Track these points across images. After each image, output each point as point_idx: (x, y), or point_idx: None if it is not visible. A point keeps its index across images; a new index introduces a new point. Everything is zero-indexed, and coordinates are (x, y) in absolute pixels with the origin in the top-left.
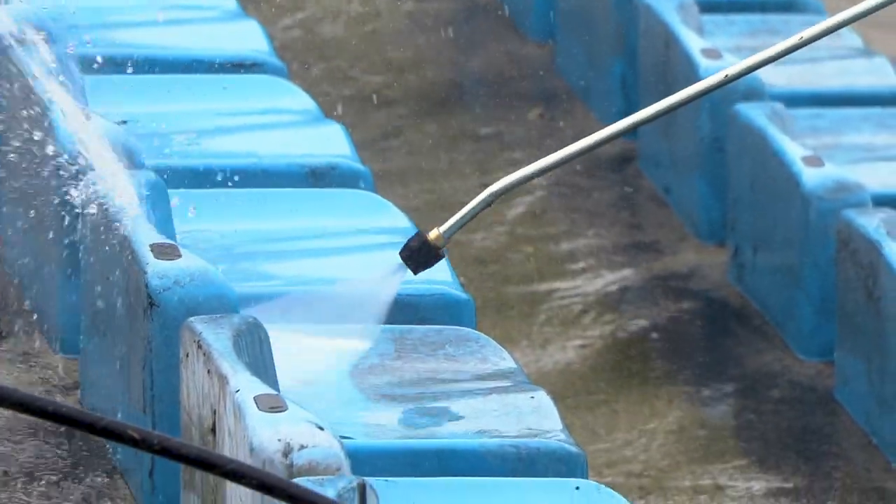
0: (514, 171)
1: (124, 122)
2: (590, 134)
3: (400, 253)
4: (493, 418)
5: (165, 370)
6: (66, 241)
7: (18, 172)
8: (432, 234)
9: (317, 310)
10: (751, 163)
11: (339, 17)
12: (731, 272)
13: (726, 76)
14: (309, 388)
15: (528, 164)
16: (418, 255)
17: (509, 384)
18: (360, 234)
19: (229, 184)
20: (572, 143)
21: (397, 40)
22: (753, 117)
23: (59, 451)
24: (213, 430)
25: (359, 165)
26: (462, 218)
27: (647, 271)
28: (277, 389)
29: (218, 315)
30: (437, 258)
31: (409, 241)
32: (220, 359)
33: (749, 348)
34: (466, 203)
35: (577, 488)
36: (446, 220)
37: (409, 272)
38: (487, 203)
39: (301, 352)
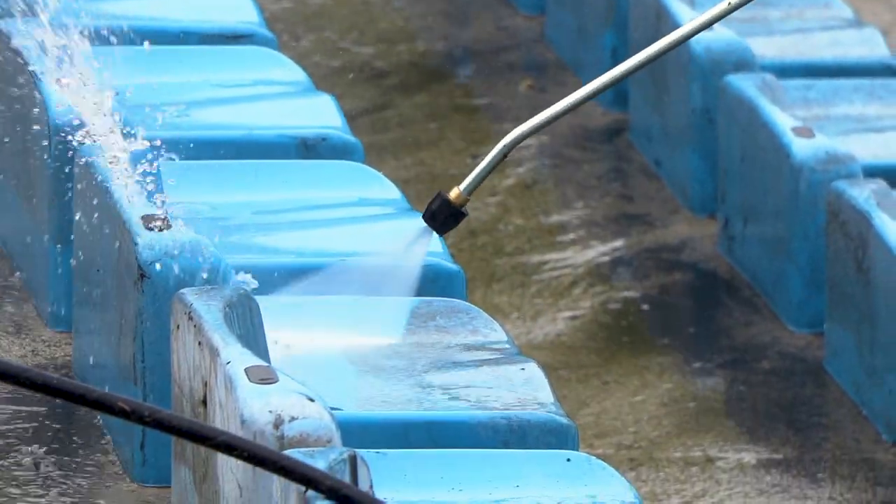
0: None
1: (115, 93)
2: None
3: (423, 216)
4: (484, 390)
5: (156, 342)
6: (57, 213)
7: (9, 143)
8: (452, 194)
9: (349, 281)
10: (741, 134)
11: None
12: (722, 244)
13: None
14: (300, 359)
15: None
16: (441, 215)
17: (500, 356)
18: (351, 205)
19: (220, 155)
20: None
21: (388, 12)
22: (744, 88)
23: (48, 424)
24: (204, 401)
25: (350, 137)
26: (479, 173)
27: (637, 243)
28: (268, 361)
29: (209, 287)
30: (460, 216)
31: (430, 203)
32: (211, 331)
33: (739, 320)
34: (457, 175)
35: (568, 460)
36: (436, 191)
37: (434, 234)
38: (503, 155)
39: (292, 324)
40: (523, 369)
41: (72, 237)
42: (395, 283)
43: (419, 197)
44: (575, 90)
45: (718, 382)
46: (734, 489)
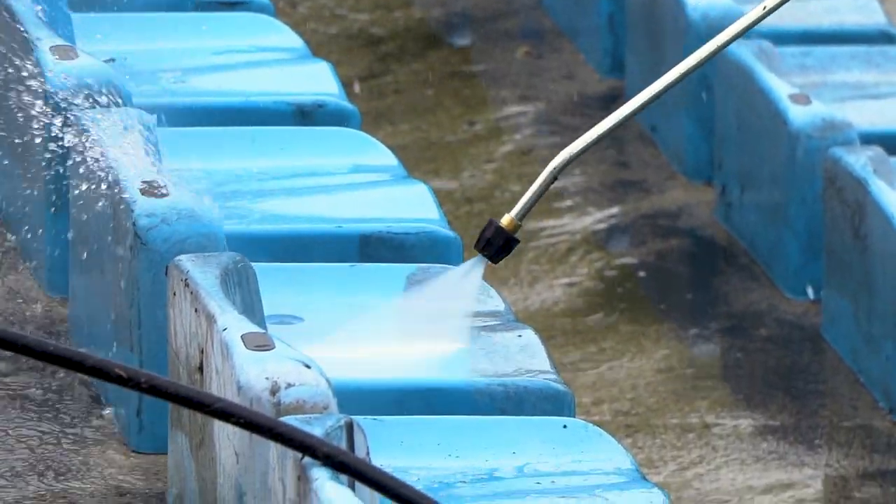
0: (502, 108)
1: (111, 59)
2: (575, 71)
3: (476, 244)
4: (481, 357)
5: (153, 309)
6: (53, 178)
7: (3, 109)
8: (504, 220)
9: (407, 316)
10: (738, 101)
11: None
12: (719, 210)
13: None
14: (296, 325)
15: (516, 103)
16: (496, 243)
17: (497, 323)
18: (348, 172)
19: (216, 122)
20: (559, 80)
21: None
22: (741, 55)
23: (45, 390)
24: (201, 368)
25: (346, 104)
26: (530, 198)
27: (634, 210)
28: (265, 328)
29: (206, 253)
30: (514, 243)
31: (483, 231)
32: (208, 297)
33: (736, 287)
34: (453, 142)
35: (565, 426)
36: (433, 157)
37: (488, 262)
38: (553, 177)
39: (289, 291)
40: (520, 336)
41: (68, 202)
42: (451, 314)
43: (416, 163)
44: (572, 56)
45: (715, 349)
46: (730, 456)
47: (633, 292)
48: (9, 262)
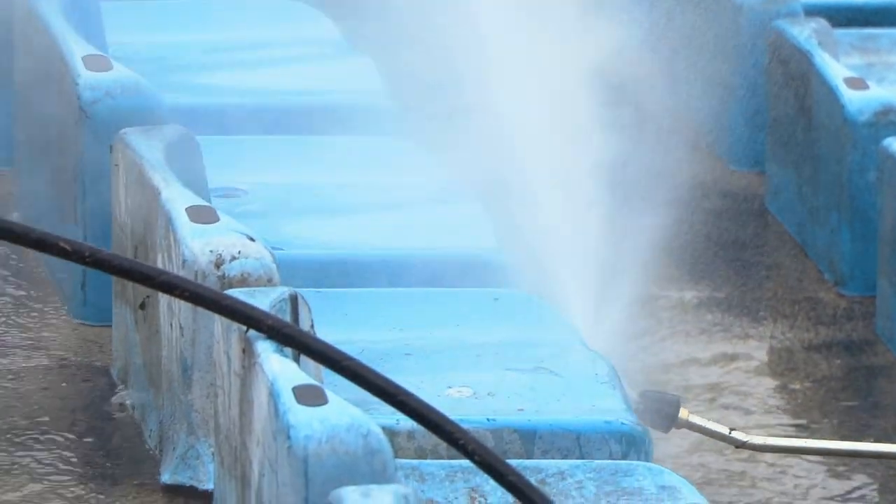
0: None
1: None
2: None
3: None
4: (425, 230)
5: (97, 182)
6: None
7: None
8: (683, 413)
9: None
10: None
11: None
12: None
13: None
14: (240, 198)
15: None
16: (658, 410)
17: (442, 194)
18: (291, 44)
19: None
20: None
21: None
22: None
23: None
24: (145, 241)
25: None
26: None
27: None
28: (209, 201)
29: (150, 126)
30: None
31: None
32: (152, 170)
33: (681, 159)
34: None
35: (508, 298)
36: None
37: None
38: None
39: (234, 164)
40: (466, 208)
41: (12, 77)
42: None
43: (360, 34)
44: None
45: (660, 222)
46: (676, 328)
47: None
48: None
